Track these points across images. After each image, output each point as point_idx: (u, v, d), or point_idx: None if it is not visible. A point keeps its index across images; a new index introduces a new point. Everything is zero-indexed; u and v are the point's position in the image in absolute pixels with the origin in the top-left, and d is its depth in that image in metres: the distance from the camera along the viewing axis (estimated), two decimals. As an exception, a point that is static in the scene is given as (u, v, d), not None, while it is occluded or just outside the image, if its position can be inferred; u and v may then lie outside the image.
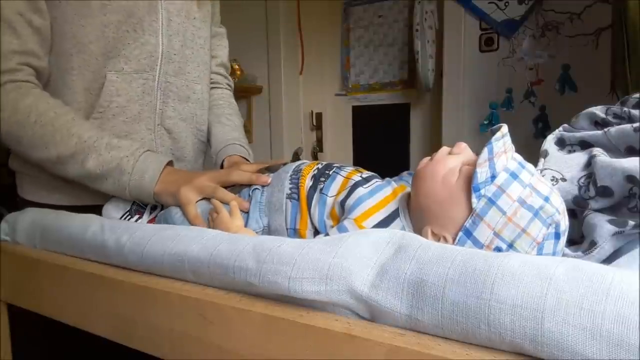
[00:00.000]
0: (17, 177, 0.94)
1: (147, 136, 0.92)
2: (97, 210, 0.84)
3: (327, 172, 0.70)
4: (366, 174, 0.70)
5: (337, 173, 0.70)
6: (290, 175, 0.72)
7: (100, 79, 0.85)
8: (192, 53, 0.97)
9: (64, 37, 0.83)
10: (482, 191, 0.52)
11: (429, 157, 0.60)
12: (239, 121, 1.15)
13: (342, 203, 0.65)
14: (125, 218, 0.84)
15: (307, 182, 0.70)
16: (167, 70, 0.92)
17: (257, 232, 0.71)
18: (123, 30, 0.85)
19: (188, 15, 0.95)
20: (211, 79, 1.14)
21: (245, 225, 0.71)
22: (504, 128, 0.54)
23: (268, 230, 0.71)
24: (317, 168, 0.72)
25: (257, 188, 0.74)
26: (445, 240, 0.55)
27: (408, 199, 0.63)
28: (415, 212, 0.60)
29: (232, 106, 1.17)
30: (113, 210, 0.84)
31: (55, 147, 0.79)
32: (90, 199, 0.88)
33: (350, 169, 0.71)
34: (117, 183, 0.79)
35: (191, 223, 0.74)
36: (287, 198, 0.70)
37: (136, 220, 0.84)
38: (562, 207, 0.53)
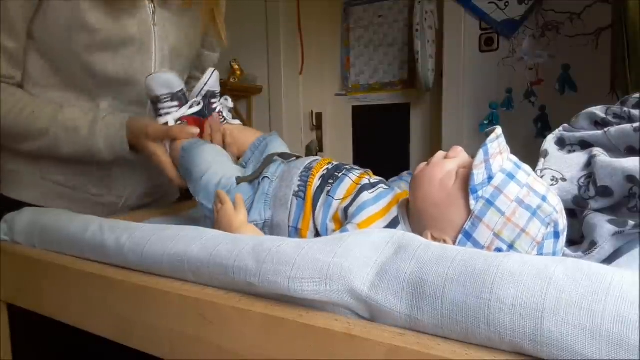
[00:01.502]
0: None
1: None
2: None
3: (336, 173, 0.70)
4: (374, 179, 0.70)
5: (346, 175, 0.69)
6: (301, 173, 0.71)
7: (94, 108, 0.86)
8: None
9: (55, 72, 0.84)
10: (480, 192, 0.52)
11: (425, 162, 0.60)
12: None
13: (346, 209, 0.65)
14: (164, 98, 0.83)
15: (315, 182, 0.69)
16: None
17: (258, 224, 0.70)
18: (112, 70, 0.84)
19: (180, 54, 0.93)
20: None
21: (248, 215, 0.70)
22: (498, 130, 0.54)
23: (270, 224, 0.71)
24: (327, 169, 0.71)
25: (266, 177, 0.73)
26: (446, 244, 0.55)
27: (407, 205, 0.63)
28: (414, 217, 0.60)
29: None
30: (158, 85, 0.83)
31: (33, 141, 0.82)
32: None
33: (359, 172, 0.71)
34: (96, 157, 0.84)
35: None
36: (293, 195, 0.69)
37: (170, 109, 0.84)
38: (560, 206, 0.53)
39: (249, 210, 0.71)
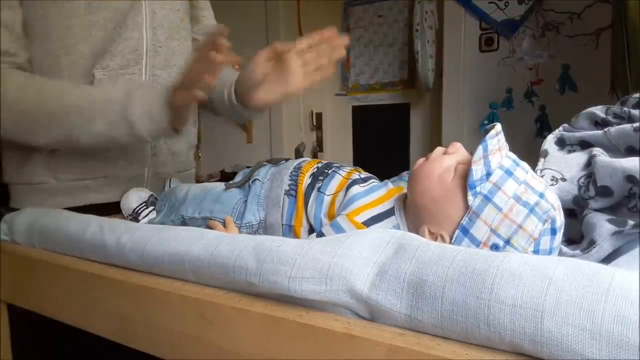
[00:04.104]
0: (11, 190, 0.93)
1: None
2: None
3: (326, 171, 0.71)
4: (364, 174, 0.71)
5: (336, 172, 0.70)
6: (291, 172, 0.72)
7: (89, 77, 0.85)
8: (178, 45, 0.96)
9: (48, 38, 0.82)
10: (478, 188, 0.52)
11: (424, 158, 0.60)
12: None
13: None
14: (140, 209, 0.85)
15: (306, 180, 0.70)
16: (154, 64, 0.92)
17: (253, 226, 0.71)
18: (110, 28, 0.84)
19: (172, 7, 0.94)
20: None
21: (243, 218, 0.71)
22: (498, 126, 0.55)
23: (264, 224, 0.72)
24: (317, 167, 0.73)
25: (257, 179, 0.74)
26: (442, 239, 0.55)
27: (404, 200, 0.63)
28: (411, 212, 0.61)
29: None
30: (133, 199, 0.86)
31: (45, 129, 0.80)
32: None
33: (349, 168, 0.72)
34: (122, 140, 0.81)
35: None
36: (285, 194, 0.70)
37: (148, 213, 0.86)
38: (557, 204, 0.54)
39: (243, 213, 0.72)
